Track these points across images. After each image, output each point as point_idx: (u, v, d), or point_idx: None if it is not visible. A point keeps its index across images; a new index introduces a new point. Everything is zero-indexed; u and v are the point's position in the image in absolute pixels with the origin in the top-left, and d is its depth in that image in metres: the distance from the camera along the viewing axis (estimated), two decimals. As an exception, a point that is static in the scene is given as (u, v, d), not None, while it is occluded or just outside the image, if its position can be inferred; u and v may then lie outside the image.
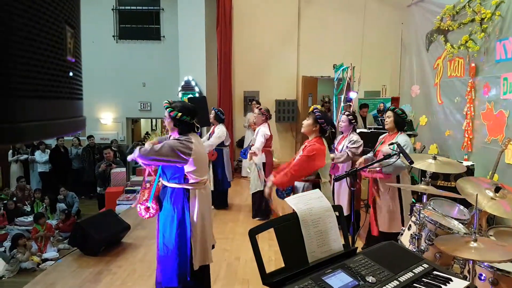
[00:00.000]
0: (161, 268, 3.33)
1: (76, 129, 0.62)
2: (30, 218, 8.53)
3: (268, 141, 6.35)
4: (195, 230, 3.26)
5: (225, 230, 5.84)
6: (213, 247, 3.65)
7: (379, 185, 4.60)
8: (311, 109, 3.88)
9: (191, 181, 3.25)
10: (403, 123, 4.67)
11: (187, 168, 3.20)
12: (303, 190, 3.70)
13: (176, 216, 3.24)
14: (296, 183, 3.83)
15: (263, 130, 6.27)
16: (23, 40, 0.46)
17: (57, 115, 0.55)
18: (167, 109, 3.22)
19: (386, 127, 4.81)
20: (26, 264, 6.93)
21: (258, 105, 6.82)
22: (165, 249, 3.29)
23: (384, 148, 4.59)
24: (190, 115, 3.24)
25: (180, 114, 3.18)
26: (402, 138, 4.48)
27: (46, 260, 7.23)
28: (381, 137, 4.95)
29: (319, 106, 3.95)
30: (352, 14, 10.04)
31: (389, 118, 4.68)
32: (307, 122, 3.80)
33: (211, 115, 6.80)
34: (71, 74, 0.59)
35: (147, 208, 3.36)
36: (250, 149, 6.36)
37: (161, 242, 3.33)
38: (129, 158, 3.32)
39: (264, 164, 6.32)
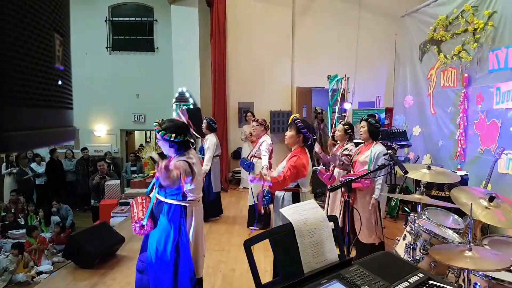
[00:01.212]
0: (153, 281, 3.30)
1: (66, 139, 0.62)
2: (22, 231, 8.45)
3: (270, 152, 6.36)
4: (190, 245, 3.26)
5: (221, 242, 5.81)
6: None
7: (357, 194, 4.53)
8: (290, 119, 3.83)
9: (189, 198, 3.24)
10: (377, 133, 4.62)
11: (187, 186, 3.19)
12: (282, 199, 3.68)
13: (173, 232, 3.22)
14: (276, 192, 3.79)
15: (267, 142, 6.25)
16: (11, 46, 0.45)
17: (46, 124, 0.54)
18: (159, 133, 3.13)
19: (361, 137, 4.77)
20: (20, 277, 6.85)
21: (254, 117, 6.80)
22: (159, 262, 3.26)
23: (360, 158, 4.62)
24: (183, 133, 3.17)
25: (173, 135, 3.10)
26: (377, 149, 4.47)
27: (40, 273, 7.16)
28: (356, 148, 4.94)
29: (297, 115, 3.92)
30: (346, 25, 10.12)
31: (363, 128, 4.64)
32: (290, 134, 3.75)
33: (203, 125, 6.79)
34: (60, 82, 0.59)
35: (142, 227, 3.33)
36: (250, 160, 6.34)
37: (153, 256, 3.28)
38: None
39: None
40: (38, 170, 10.83)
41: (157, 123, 3.19)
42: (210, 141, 6.62)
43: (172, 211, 3.24)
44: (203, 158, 6.48)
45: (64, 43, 0.60)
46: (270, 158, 6.41)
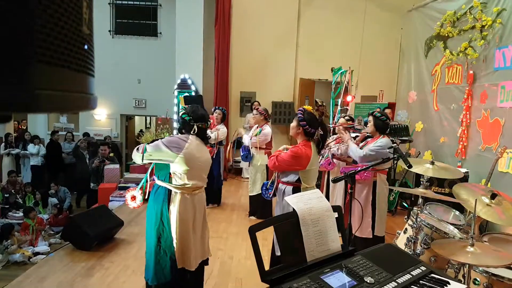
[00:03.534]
0: (146, 263, 3.32)
1: (90, 107, 0.60)
2: (20, 214, 8.46)
3: (269, 142, 6.36)
4: (174, 233, 3.18)
5: (219, 230, 5.81)
6: (206, 262, 3.55)
7: (355, 188, 4.41)
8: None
9: (174, 182, 3.19)
10: (383, 126, 4.51)
11: (174, 167, 3.15)
12: (283, 193, 3.64)
13: (155, 214, 3.20)
14: (279, 185, 3.77)
15: (265, 133, 6.27)
16: (43, 1, 0.43)
17: (73, 87, 0.52)
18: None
19: (368, 132, 4.71)
20: (17, 257, 6.87)
21: (255, 107, 6.75)
22: (147, 244, 3.28)
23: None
24: (192, 116, 3.24)
25: (183, 112, 3.29)
26: (381, 141, 4.41)
27: (37, 254, 7.18)
28: (364, 142, 4.85)
29: (309, 107, 3.84)
30: (352, 17, 10.02)
31: (369, 122, 4.58)
32: (292, 125, 3.70)
33: (217, 115, 6.74)
34: (86, 47, 0.57)
35: (133, 197, 3.38)
36: (249, 150, 6.35)
37: (146, 238, 3.32)
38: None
39: (266, 166, 6.31)
40: (35, 150, 10.77)
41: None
42: (223, 132, 6.73)
43: (158, 193, 3.24)
44: (211, 146, 6.42)
45: (90, 6, 0.58)
46: (268, 148, 6.42)
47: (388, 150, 3.87)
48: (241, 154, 6.53)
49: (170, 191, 3.20)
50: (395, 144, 3.37)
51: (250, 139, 6.32)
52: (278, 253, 3.63)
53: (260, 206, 6.31)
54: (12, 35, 0.42)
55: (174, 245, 3.17)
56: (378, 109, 8.08)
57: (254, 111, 6.52)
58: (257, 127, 6.44)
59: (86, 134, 11.57)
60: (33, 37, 0.43)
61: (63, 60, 0.49)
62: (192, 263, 3.27)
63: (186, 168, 3.13)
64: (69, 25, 0.50)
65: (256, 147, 6.24)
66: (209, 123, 3.43)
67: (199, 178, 3.27)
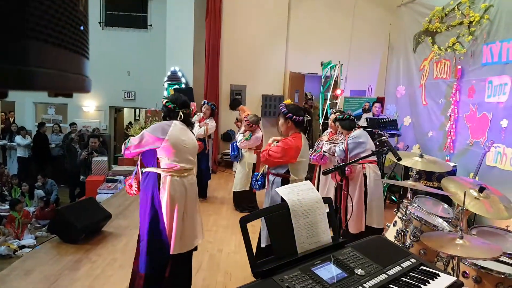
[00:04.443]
0: (140, 252, 3.29)
1: (85, 89, 0.58)
2: (7, 206, 8.34)
3: (259, 144, 6.37)
4: (165, 216, 3.19)
5: (208, 223, 5.80)
6: (195, 248, 3.53)
7: (345, 181, 4.49)
8: None
9: (162, 165, 3.20)
10: (350, 124, 4.83)
11: (160, 152, 3.17)
12: (272, 184, 3.65)
13: (148, 201, 3.20)
14: (269, 176, 3.77)
15: (257, 136, 6.30)
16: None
17: (69, 67, 0.50)
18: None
19: (343, 135, 5.01)
20: (1, 251, 6.77)
21: (245, 116, 6.57)
22: (140, 233, 3.28)
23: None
24: (176, 103, 3.31)
25: (166, 100, 3.35)
26: (354, 133, 4.71)
27: (23, 247, 7.08)
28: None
29: (288, 101, 3.85)
30: (342, 12, 10.03)
31: (338, 128, 4.96)
32: (280, 122, 3.70)
33: (206, 110, 6.67)
34: (82, 28, 0.55)
35: (130, 185, 3.40)
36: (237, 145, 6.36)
37: (140, 225, 3.31)
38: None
39: (254, 165, 6.31)
40: (23, 142, 10.64)
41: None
42: (212, 126, 6.69)
43: (148, 179, 3.24)
44: (200, 140, 6.34)
45: (86, -14, 0.56)
46: (258, 148, 6.42)
47: (376, 142, 3.89)
48: (231, 153, 6.53)
49: (159, 175, 3.20)
50: (384, 137, 3.39)
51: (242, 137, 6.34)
52: (263, 244, 3.64)
53: (244, 201, 6.34)
54: (8, 11, 0.40)
55: (166, 228, 3.18)
56: (367, 104, 8.13)
57: (245, 123, 6.41)
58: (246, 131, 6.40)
59: (73, 124, 11.40)
60: (29, 13, 0.41)
61: (60, 39, 0.47)
62: (182, 246, 3.29)
63: (172, 150, 3.16)
64: (67, 3, 0.48)
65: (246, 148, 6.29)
66: (191, 109, 3.51)
67: (186, 161, 3.27)
